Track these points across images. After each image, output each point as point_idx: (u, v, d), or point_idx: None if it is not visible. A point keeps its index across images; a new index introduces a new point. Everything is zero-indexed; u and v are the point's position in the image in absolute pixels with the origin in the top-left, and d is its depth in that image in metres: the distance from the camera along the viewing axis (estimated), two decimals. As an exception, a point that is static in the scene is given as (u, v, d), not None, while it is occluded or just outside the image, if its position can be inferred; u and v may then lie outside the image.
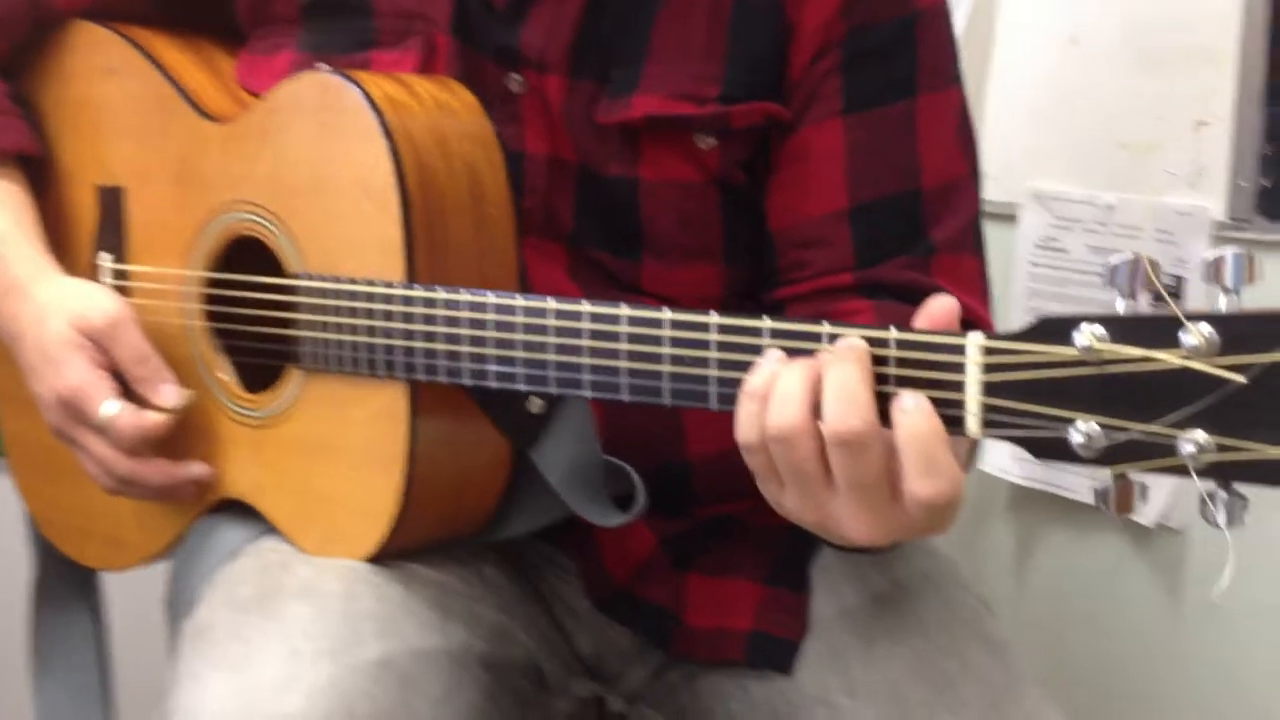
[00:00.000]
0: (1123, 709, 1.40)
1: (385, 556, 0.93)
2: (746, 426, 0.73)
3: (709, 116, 0.96)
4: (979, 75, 1.42)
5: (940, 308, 0.71)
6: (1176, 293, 0.68)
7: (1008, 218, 1.43)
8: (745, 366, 0.74)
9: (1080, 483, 1.39)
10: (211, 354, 1.01)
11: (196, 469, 1.01)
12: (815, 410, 0.70)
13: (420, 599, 0.92)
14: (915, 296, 0.95)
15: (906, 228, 0.98)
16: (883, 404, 0.69)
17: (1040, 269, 1.41)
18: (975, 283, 1.00)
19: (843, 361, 0.70)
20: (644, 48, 0.97)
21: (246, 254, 0.99)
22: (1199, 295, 1.22)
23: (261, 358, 0.99)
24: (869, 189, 0.97)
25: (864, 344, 0.70)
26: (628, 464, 0.91)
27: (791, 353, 0.73)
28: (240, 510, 1.01)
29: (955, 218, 0.99)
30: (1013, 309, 1.43)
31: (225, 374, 1.01)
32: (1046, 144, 1.40)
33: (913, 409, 0.68)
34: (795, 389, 0.71)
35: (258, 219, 0.96)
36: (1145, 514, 1.34)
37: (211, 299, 1.01)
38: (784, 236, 1.00)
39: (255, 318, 0.97)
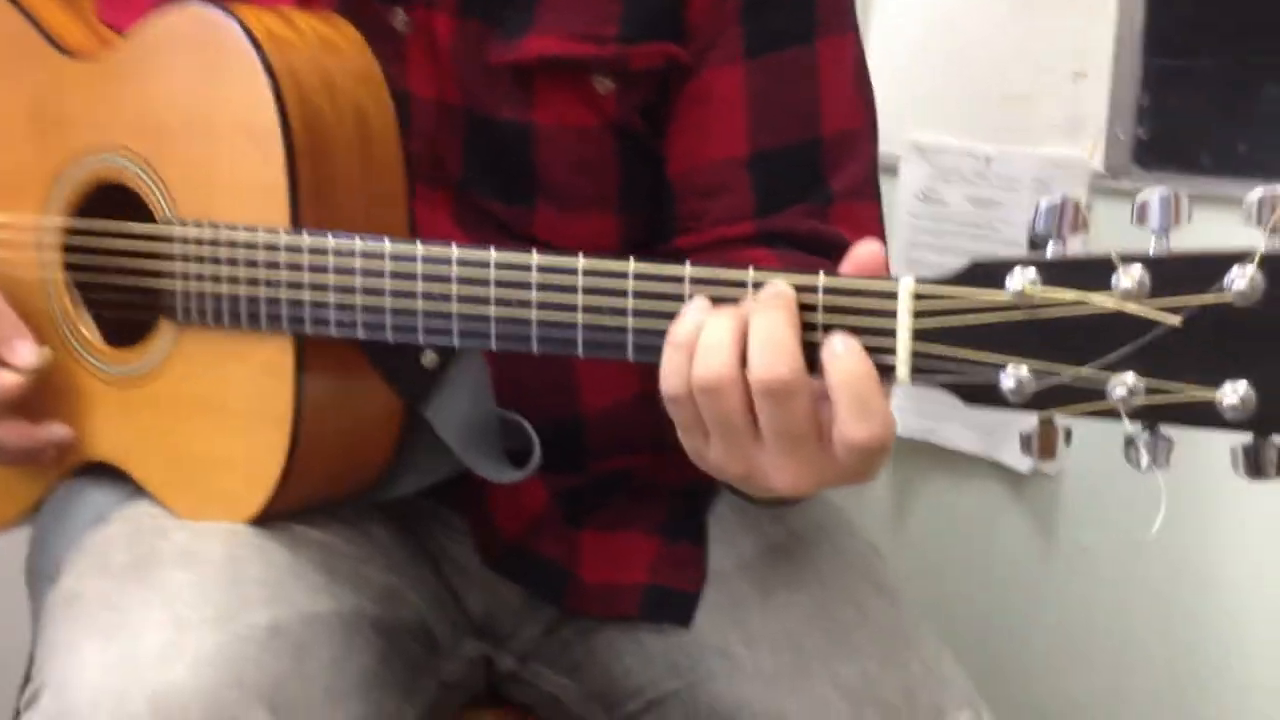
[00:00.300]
0: (1000, 652, 1.42)
1: (268, 518, 0.89)
2: (672, 378, 0.71)
3: (608, 58, 0.93)
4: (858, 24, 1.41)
5: (867, 254, 0.70)
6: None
7: (887, 169, 1.42)
8: (664, 316, 0.71)
9: (958, 432, 1.40)
10: (73, 308, 0.95)
11: (57, 430, 0.95)
12: (743, 359, 0.68)
13: (307, 561, 0.88)
14: (816, 245, 0.94)
15: (807, 176, 0.96)
16: (811, 353, 0.67)
17: (920, 221, 1.42)
18: (874, 229, 1.00)
19: (769, 309, 0.68)
20: None
21: (110, 201, 0.92)
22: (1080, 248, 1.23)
23: (129, 311, 0.93)
24: (769, 136, 0.96)
25: (791, 290, 0.68)
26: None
27: (715, 301, 0.70)
28: (107, 473, 0.95)
29: (854, 165, 0.98)
30: (893, 261, 1.43)
31: (88, 329, 0.95)
32: (926, 95, 1.40)
33: (844, 351, 0.67)
34: (722, 338, 0.69)
35: (125, 163, 0.90)
36: (1021, 460, 1.36)
37: (72, 249, 0.95)
38: (683, 183, 0.97)
39: (121, 268, 0.91)
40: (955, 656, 0.96)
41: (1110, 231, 0.66)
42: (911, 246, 1.43)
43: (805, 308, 0.68)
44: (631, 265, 0.72)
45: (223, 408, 0.89)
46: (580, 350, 0.75)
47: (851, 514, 1.06)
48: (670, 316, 0.71)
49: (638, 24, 0.94)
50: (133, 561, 0.86)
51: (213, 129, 0.85)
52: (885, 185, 1.42)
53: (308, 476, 0.88)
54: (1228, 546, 1.28)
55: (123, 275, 0.91)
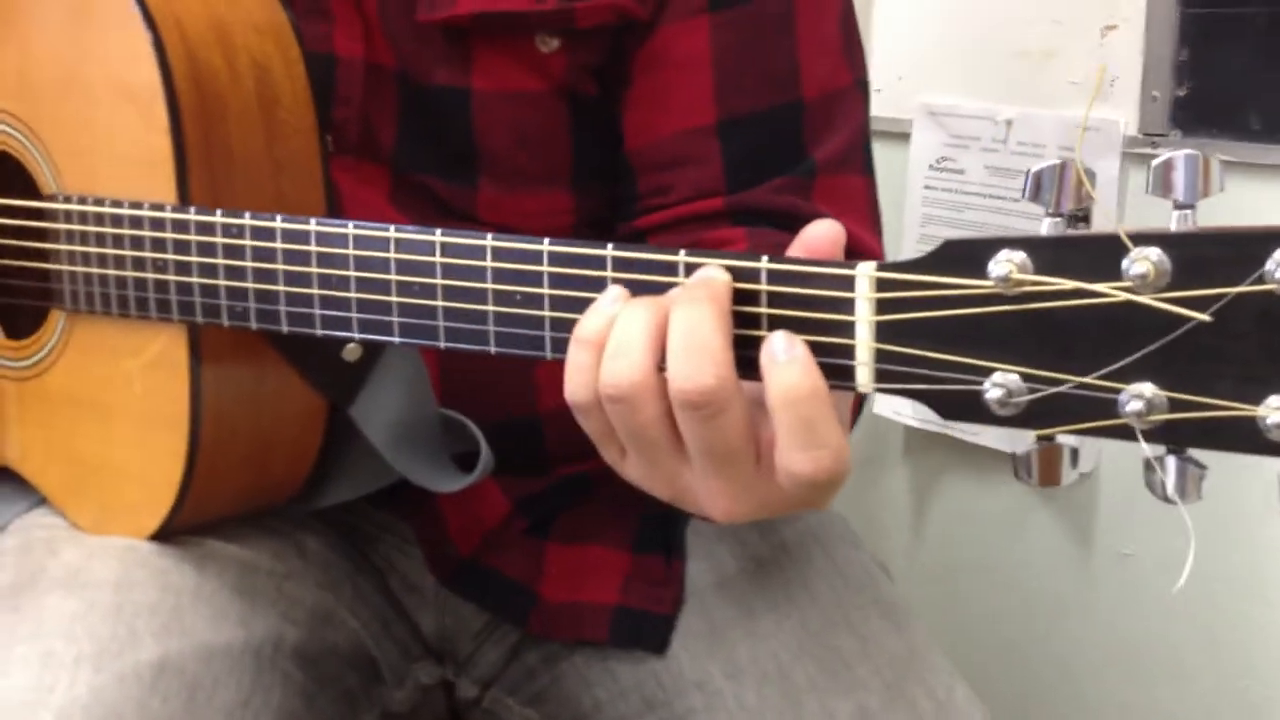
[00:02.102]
0: (1028, 665, 1.29)
1: (174, 532, 0.78)
2: (577, 382, 0.57)
3: (549, 14, 0.80)
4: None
5: (819, 234, 0.57)
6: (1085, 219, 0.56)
7: (897, 136, 1.29)
8: (585, 306, 0.58)
9: (981, 425, 1.27)
10: (-39, 294, 0.84)
11: None
12: (662, 362, 0.55)
13: (216, 583, 0.77)
14: (796, 223, 0.80)
15: (785, 145, 0.83)
16: (751, 350, 0.54)
17: (934, 192, 1.28)
18: (863, 207, 0.86)
19: (692, 302, 0.55)
20: None
21: (7, 170, 0.81)
22: (1108, 224, 1.09)
23: (22, 297, 0.81)
24: (741, 99, 0.83)
25: (723, 278, 0.55)
26: (469, 419, 0.77)
27: (640, 288, 0.57)
28: (10, 478, 0.84)
29: (839, 133, 0.85)
30: (905, 238, 1.30)
31: (-20, 317, 0.84)
32: (937, 54, 1.25)
33: (786, 360, 0.53)
34: (636, 336, 0.55)
35: (7, 129, 0.78)
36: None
37: (-41, 228, 0.83)
38: (643, 157, 0.85)
39: (7, 249, 0.80)
40: (975, 686, 0.82)
41: (1146, 205, 0.52)
42: (926, 221, 1.29)
43: (746, 298, 0.55)
44: (545, 246, 0.59)
45: (116, 407, 0.77)
46: (492, 345, 0.62)
47: (864, 515, 0.93)
48: (590, 304, 0.58)
49: None
50: (12, 584, 0.76)
51: (90, 90, 0.73)
52: (895, 154, 1.30)
53: (215, 485, 0.77)
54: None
55: (8, 257, 0.80)
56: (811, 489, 0.55)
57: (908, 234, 1.30)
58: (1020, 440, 0.52)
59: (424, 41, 0.82)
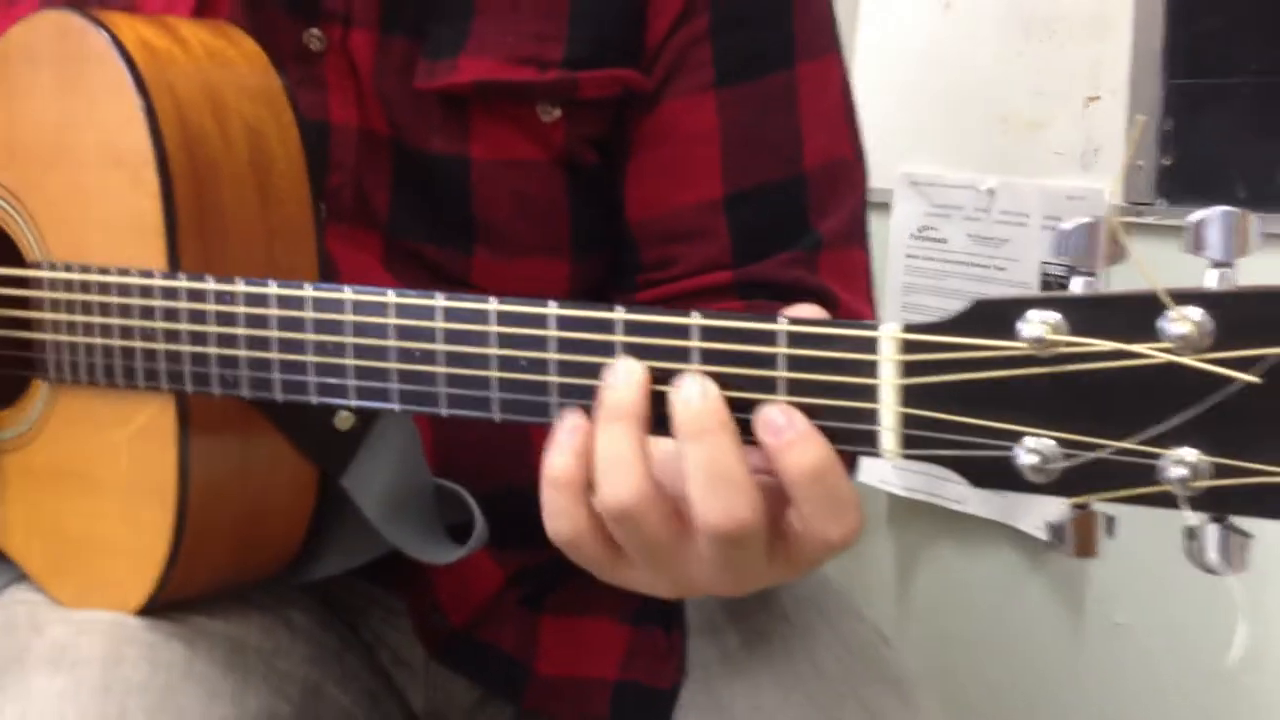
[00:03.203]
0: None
1: (161, 608, 0.73)
2: (558, 524, 0.58)
3: (553, 84, 0.78)
4: (843, 46, 1.26)
5: (803, 316, 0.54)
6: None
7: (880, 205, 1.27)
8: (596, 371, 0.55)
9: (968, 492, 1.23)
10: (-56, 364, 0.80)
11: None
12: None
13: (207, 660, 0.73)
14: (800, 297, 0.78)
15: (790, 218, 0.82)
16: (750, 413, 0.51)
17: (917, 261, 1.26)
18: (861, 281, 0.85)
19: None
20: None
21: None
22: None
23: (2, 368, 0.77)
24: (747, 174, 0.81)
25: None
26: (463, 488, 0.73)
27: (650, 352, 0.54)
28: (-9, 553, 0.80)
29: (842, 206, 0.83)
30: (886, 307, 1.28)
31: (-39, 388, 0.79)
32: (919, 123, 1.24)
33: (795, 436, 0.51)
34: (626, 452, 0.54)
35: (-10, 196, 0.75)
36: (1043, 527, 1.18)
37: (-57, 297, 0.79)
38: (648, 228, 0.82)
39: (-10, 319, 0.76)
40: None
41: (1132, 276, 0.50)
42: (907, 290, 1.26)
43: (762, 360, 0.52)
44: (552, 309, 0.56)
45: (102, 480, 0.73)
46: (496, 412, 0.59)
47: (848, 585, 0.89)
48: (599, 369, 0.55)
49: (587, 44, 0.79)
50: None
51: (79, 156, 0.70)
52: (878, 223, 1.28)
53: (203, 558, 0.73)
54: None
55: (-8, 326, 0.76)
56: (839, 550, 0.52)
57: (889, 303, 1.28)
58: (1055, 509, 0.49)
59: (421, 109, 0.79)
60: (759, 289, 0.80)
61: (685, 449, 0.53)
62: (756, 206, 0.81)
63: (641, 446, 0.54)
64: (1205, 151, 1.07)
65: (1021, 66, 1.17)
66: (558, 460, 0.55)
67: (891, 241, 1.26)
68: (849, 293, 0.81)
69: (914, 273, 1.26)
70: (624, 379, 0.54)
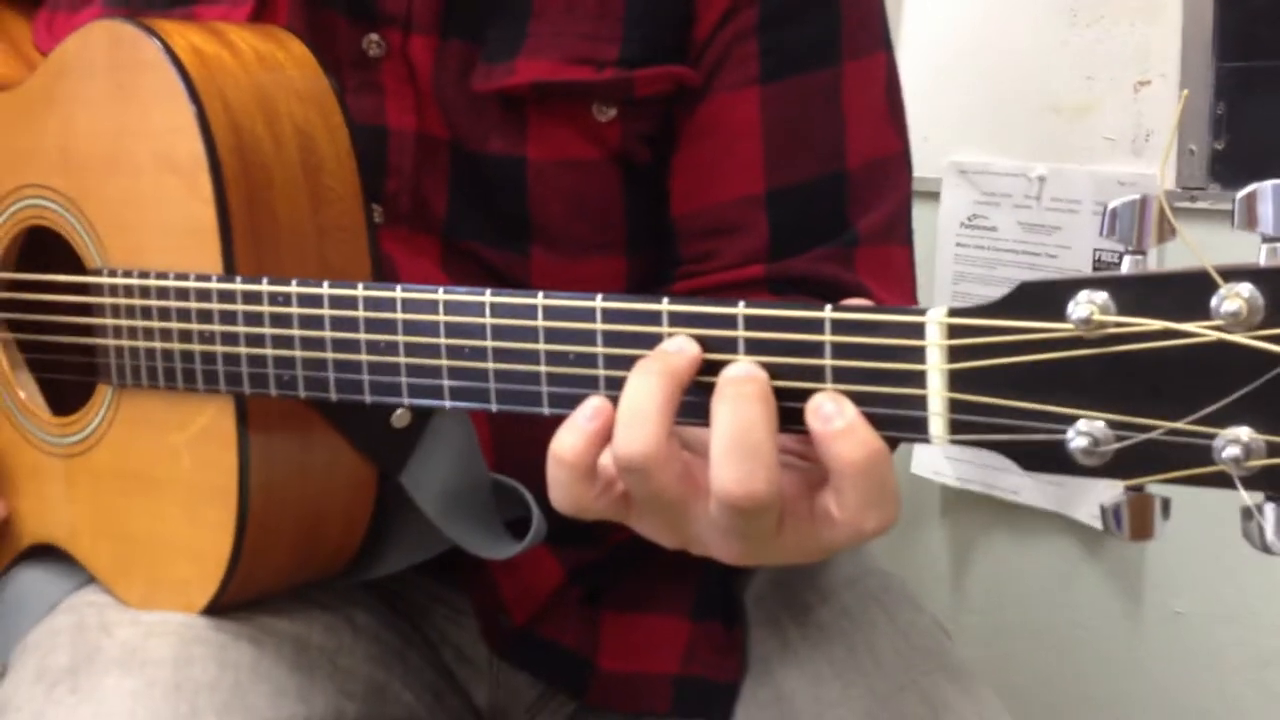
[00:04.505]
0: (1080, 729, 1.23)
1: (226, 607, 0.74)
2: (559, 497, 0.58)
3: (609, 83, 0.78)
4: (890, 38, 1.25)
5: None
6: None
7: (928, 195, 1.25)
8: (640, 362, 0.55)
9: (1022, 482, 1.21)
10: (11, 370, 0.81)
11: None
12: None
13: (274, 659, 0.73)
14: (836, 293, 0.77)
15: (829, 214, 0.81)
16: (799, 401, 0.50)
17: (967, 250, 1.24)
18: (903, 279, 0.84)
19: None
20: (526, 2, 0.78)
21: (49, 248, 0.78)
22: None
23: (69, 373, 0.78)
24: (790, 170, 0.80)
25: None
26: (521, 484, 0.73)
27: (699, 343, 0.54)
28: (60, 557, 0.81)
29: (883, 203, 0.82)
30: (936, 297, 1.26)
31: (28, 393, 0.80)
32: (968, 111, 1.22)
33: (845, 426, 0.50)
34: (647, 404, 0.54)
35: (50, 204, 0.76)
36: (1097, 513, 1.16)
37: (7, 304, 0.80)
38: (690, 222, 0.82)
39: (55, 325, 0.77)
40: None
41: (1187, 260, 0.48)
42: (958, 279, 1.25)
43: (808, 349, 0.51)
44: (598, 303, 0.56)
45: (164, 482, 0.74)
46: (546, 406, 0.58)
47: (902, 578, 0.88)
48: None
49: (642, 43, 0.78)
50: (70, 664, 0.72)
51: (134, 162, 0.71)
52: (926, 213, 1.26)
53: (265, 557, 0.73)
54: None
55: (56, 333, 0.77)
56: (870, 539, 0.52)
57: (939, 293, 1.26)
58: (1109, 492, 0.48)
59: (478, 111, 0.79)
60: (792, 284, 0.79)
61: (717, 410, 0.52)
62: (797, 202, 0.80)
63: (668, 405, 0.53)
64: (1257, 134, 1.05)
65: (1069, 52, 1.15)
66: (567, 439, 0.55)
67: (941, 230, 1.25)
68: (886, 290, 0.80)
69: (964, 262, 1.24)
70: (677, 344, 0.54)
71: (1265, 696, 1.12)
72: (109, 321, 0.73)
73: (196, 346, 0.69)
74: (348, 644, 0.79)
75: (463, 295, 0.60)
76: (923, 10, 1.26)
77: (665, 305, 0.54)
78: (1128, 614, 1.18)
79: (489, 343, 0.59)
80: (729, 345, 0.53)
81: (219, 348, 0.68)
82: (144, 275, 0.70)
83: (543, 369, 0.58)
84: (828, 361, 0.51)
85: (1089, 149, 1.14)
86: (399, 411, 0.71)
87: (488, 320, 0.59)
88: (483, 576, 0.84)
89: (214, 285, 0.68)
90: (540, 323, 0.57)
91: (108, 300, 0.73)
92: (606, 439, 0.54)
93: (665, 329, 0.54)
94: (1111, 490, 0.47)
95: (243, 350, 0.67)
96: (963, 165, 1.23)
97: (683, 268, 0.82)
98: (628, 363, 0.55)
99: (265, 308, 0.66)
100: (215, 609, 0.74)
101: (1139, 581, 1.17)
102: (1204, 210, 1.06)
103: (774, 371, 0.52)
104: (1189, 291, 0.44)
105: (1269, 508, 0.45)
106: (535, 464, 0.76)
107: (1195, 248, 0.43)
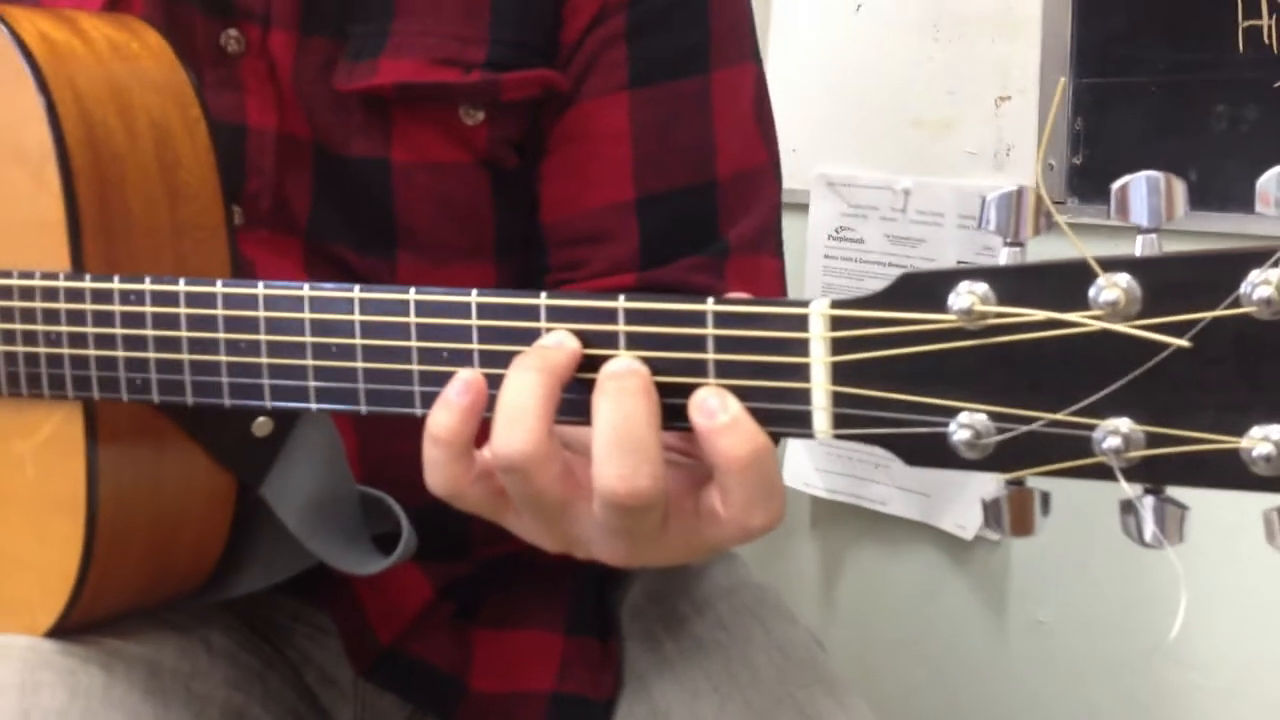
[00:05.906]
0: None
1: (74, 629, 0.70)
2: (434, 477, 0.56)
3: (476, 85, 0.76)
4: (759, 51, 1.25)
5: None
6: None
7: (798, 206, 1.26)
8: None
9: (890, 493, 1.22)
10: None
11: None
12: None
13: (125, 685, 0.69)
14: None
15: (699, 223, 0.80)
16: (682, 397, 0.49)
17: (835, 262, 1.25)
18: (774, 290, 0.84)
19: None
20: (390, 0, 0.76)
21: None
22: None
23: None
24: (658, 177, 0.79)
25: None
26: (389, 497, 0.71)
27: (577, 338, 0.53)
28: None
29: (753, 214, 0.82)
30: (805, 308, 1.26)
31: None
32: (835, 124, 1.23)
33: (730, 421, 0.49)
34: (527, 402, 0.53)
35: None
36: (965, 526, 1.18)
37: None
38: (560, 230, 0.80)
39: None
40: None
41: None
42: (827, 290, 1.26)
43: (690, 343, 0.50)
44: (473, 297, 0.54)
45: (8, 493, 0.70)
46: (418, 406, 0.56)
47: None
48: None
49: (509, 46, 0.77)
50: None
51: (-22, 154, 0.66)
52: (795, 224, 1.27)
53: (116, 574, 0.69)
54: (1206, 623, 1.07)
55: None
56: (756, 537, 0.51)
57: (808, 304, 1.27)
58: (988, 487, 0.47)
59: (342, 111, 0.77)
60: (663, 292, 0.79)
61: (599, 406, 0.51)
62: (666, 211, 0.80)
63: (548, 402, 0.52)
64: (1115, 149, 1.07)
65: (933, 67, 1.16)
66: (440, 416, 0.53)
67: (810, 242, 1.26)
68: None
69: (832, 273, 1.25)
70: (556, 339, 0.53)
71: (1124, 704, 1.14)
72: (-52, 323, 0.68)
73: (41, 349, 0.65)
74: (203, 667, 0.75)
75: (330, 291, 0.57)
76: (790, 25, 1.27)
77: (543, 300, 0.53)
78: (993, 624, 1.20)
79: (358, 341, 0.57)
80: (609, 340, 0.51)
81: (65, 350, 0.64)
82: (-6, 273, 0.66)
83: (415, 368, 0.56)
84: (711, 356, 0.50)
85: (952, 163, 1.16)
86: (260, 419, 0.68)
87: (356, 317, 0.57)
88: (346, 594, 0.81)
89: (61, 284, 0.64)
90: (412, 319, 0.55)
91: (-54, 301, 0.68)
92: (480, 413, 0.53)
93: (543, 324, 0.52)
94: (992, 485, 0.47)
95: (91, 353, 0.64)
96: (830, 177, 1.24)
97: (551, 276, 0.81)
98: (505, 359, 0.53)
99: (116, 307, 0.63)
100: (61, 630, 0.69)
101: (1004, 591, 1.19)
102: (1065, 223, 1.08)
103: (656, 366, 0.50)
104: (1068, 282, 0.44)
105: (1148, 501, 0.45)
106: (408, 481, 0.74)
107: (1073, 236, 0.43)
